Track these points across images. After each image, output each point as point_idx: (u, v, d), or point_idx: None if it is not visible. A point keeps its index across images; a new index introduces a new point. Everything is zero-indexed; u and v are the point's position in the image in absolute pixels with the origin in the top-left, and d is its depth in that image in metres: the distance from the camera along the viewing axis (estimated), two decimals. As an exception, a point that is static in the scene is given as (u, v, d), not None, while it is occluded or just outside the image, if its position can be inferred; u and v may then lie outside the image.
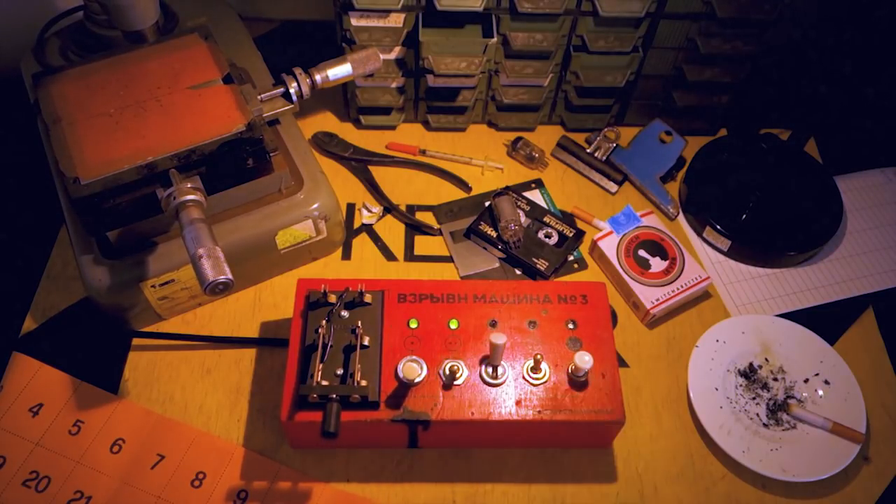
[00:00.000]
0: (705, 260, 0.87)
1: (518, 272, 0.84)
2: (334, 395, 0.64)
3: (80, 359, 0.76)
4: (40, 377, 0.75)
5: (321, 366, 0.65)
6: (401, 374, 0.66)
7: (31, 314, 0.79)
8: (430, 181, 0.92)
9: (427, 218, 0.88)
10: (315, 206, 0.78)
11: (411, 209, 0.89)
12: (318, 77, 0.73)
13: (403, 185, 0.91)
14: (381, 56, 0.77)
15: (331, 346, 0.67)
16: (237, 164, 0.70)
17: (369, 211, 0.88)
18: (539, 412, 0.66)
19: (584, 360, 0.65)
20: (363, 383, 0.65)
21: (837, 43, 0.89)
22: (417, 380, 0.66)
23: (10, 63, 0.88)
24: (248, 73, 0.74)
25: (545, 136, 0.96)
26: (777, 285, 0.85)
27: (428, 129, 0.97)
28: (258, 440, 0.72)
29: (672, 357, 0.79)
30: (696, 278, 0.81)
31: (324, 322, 0.67)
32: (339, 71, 0.74)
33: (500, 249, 0.84)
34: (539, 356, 0.67)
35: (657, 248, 0.83)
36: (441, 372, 0.67)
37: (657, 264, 0.82)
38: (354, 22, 0.82)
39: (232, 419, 0.73)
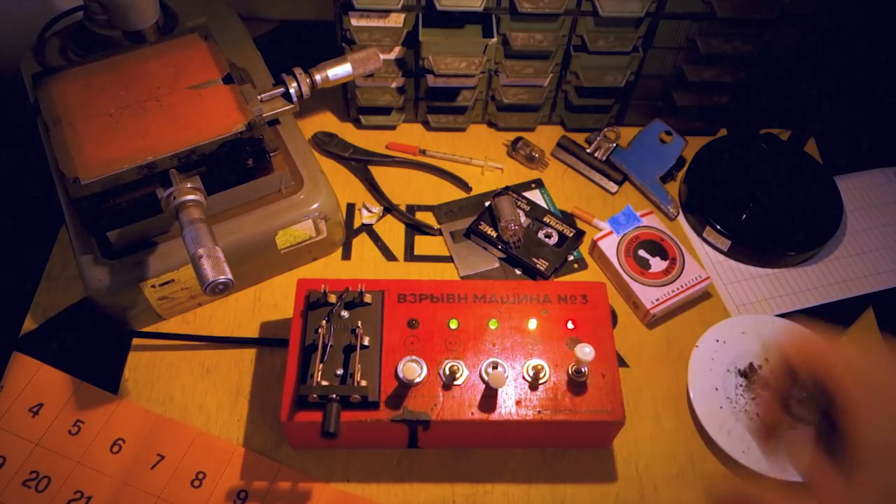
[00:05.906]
0: (705, 260, 0.87)
1: (518, 272, 0.84)
2: (334, 395, 0.64)
3: (80, 359, 0.76)
4: (40, 377, 0.75)
5: (321, 366, 0.65)
6: (401, 374, 0.66)
7: (31, 314, 0.79)
8: (430, 181, 0.92)
9: (427, 218, 0.88)
10: (315, 206, 0.78)
11: (411, 209, 0.89)
12: (318, 77, 0.73)
13: (403, 185, 0.91)
14: (381, 56, 0.77)
15: (331, 346, 0.67)
16: (237, 164, 0.70)
17: (369, 211, 0.88)
18: (539, 412, 0.66)
19: (584, 352, 0.64)
20: (363, 383, 0.65)
21: (837, 42, 0.88)
22: (417, 380, 0.66)
23: (10, 63, 0.88)
24: (248, 73, 0.74)
25: (545, 136, 0.96)
26: (777, 285, 0.85)
27: (428, 129, 0.97)
28: (258, 440, 0.72)
29: (672, 357, 0.79)
30: (696, 278, 0.81)
31: (324, 322, 0.67)
32: (339, 71, 0.74)
33: (500, 249, 0.84)
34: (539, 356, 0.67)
35: (657, 248, 0.83)
36: (441, 372, 0.67)
37: (657, 264, 0.82)
38: (354, 22, 0.82)
39: (232, 419, 0.73)
